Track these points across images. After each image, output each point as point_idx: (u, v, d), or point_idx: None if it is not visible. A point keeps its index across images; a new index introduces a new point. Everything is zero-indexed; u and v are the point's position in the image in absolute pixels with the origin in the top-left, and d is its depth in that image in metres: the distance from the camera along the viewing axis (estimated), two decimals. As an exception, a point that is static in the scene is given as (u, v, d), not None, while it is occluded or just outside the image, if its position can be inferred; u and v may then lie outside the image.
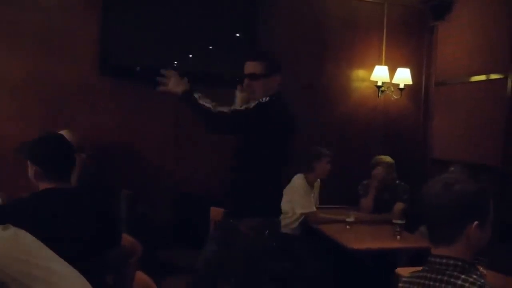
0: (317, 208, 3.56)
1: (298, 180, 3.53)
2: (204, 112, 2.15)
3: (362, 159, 4.04)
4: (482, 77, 3.74)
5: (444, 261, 1.26)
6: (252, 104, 2.20)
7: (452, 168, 3.43)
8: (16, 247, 1.19)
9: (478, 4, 3.83)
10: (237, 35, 3.87)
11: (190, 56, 3.77)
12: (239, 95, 2.47)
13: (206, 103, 2.15)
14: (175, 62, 3.69)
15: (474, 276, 1.22)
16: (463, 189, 1.26)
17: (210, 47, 3.80)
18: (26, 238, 1.23)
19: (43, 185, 1.80)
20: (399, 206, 3.52)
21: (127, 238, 2.05)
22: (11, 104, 3.51)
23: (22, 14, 3.50)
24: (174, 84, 2.21)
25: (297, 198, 3.45)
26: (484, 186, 1.29)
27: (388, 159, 3.68)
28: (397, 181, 3.65)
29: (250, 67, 2.29)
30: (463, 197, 1.25)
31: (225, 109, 2.17)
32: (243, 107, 2.25)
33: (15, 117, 3.49)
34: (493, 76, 3.62)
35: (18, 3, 3.49)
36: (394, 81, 4.15)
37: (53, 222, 1.66)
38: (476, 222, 1.24)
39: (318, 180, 3.69)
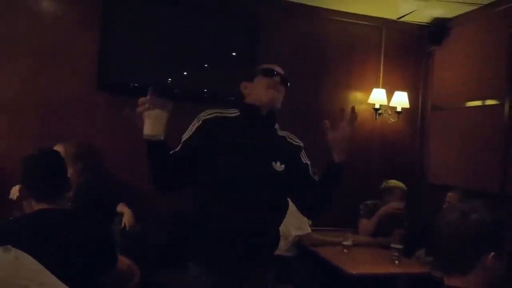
0: (311, 230, 3.51)
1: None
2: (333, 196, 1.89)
3: (358, 182, 4.02)
4: (478, 103, 3.77)
5: (460, 293, 1.22)
6: None
7: (450, 193, 3.44)
8: (16, 271, 1.13)
9: (475, 30, 3.89)
10: (233, 54, 3.87)
11: (185, 73, 3.75)
12: None
13: None
14: (169, 79, 3.69)
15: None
16: (480, 219, 1.23)
17: (206, 65, 3.79)
18: (27, 262, 1.18)
19: (36, 206, 1.74)
20: (398, 232, 3.48)
21: (123, 261, 2.00)
22: (6, 118, 3.45)
23: (20, 29, 3.47)
24: (342, 143, 1.81)
25: (292, 220, 3.39)
26: (501, 216, 1.26)
27: (399, 184, 3.64)
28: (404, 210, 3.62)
29: (281, 70, 1.96)
30: (480, 227, 1.23)
31: None
32: None
33: (11, 131, 3.44)
34: (489, 102, 3.65)
35: (16, 18, 3.47)
36: (392, 104, 4.17)
37: (45, 244, 1.61)
38: (492, 253, 1.22)
39: None
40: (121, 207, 3.06)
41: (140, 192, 3.55)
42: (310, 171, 1.93)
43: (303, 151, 1.97)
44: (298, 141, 1.99)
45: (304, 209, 2.00)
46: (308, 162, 1.95)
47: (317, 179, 1.90)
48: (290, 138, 1.97)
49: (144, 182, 3.60)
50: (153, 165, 1.72)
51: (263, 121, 1.91)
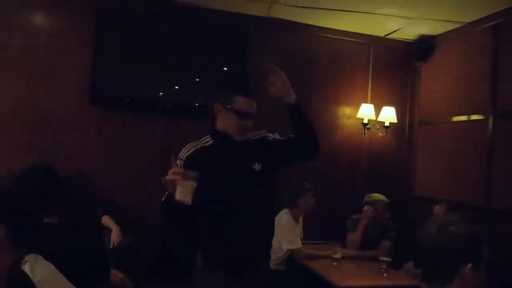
0: (302, 243, 3.55)
1: (284, 215, 3.53)
2: (312, 126, 2.12)
3: (347, 195, 4.09)
4: (463, 118, 3.87)
5: (440, 303, 1.28)
6: None
7: (437, 206, 3.51)
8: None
9: (459, 47, 4.00)
10: (225, 68, 3.94)
11: (176, 87, 3.81)
12: None
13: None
14: (161, 93, 3.74)
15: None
16: (458, 232, 1.29)
17: (197, 80, 3.86)
18: None
19: None
20: (385, 244, 3.54)
21: (116, 274, 2.02)
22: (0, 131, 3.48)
23: (13, 44, 3.52)
24: (284, 89, 2.06)
25: (284, 234, 3.44)
26: (479, 229, 1.32)
27: (381, 197, 3.68)
28: (390, 222, 3.66)
29: (253, 105, 2.08)
30: (457, 239, 1.28)
31: None
32: None
33: (2, 145, 3.46)
34: (474, 117, 3.75)
35: (10, 32, 3.52)
36: (380, 119, 4.25)
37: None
38: (470, 265, 1.27)
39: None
40: (107, 221, 3.10)
41: (131, 204, 3.60)
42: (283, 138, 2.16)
43: (275, 134, 2.18)
44: (260, 133, 2.16)
45: (304, 152, 2.18)
46: (280, 138, 2.17)
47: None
48: (255, 136, 2.13)
49: (134, 194, 3.69)
50: (174, 220, 1.98)
51: (235, 144, 2.06)
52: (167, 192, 1.87)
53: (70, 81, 3.62)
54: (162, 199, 1.92)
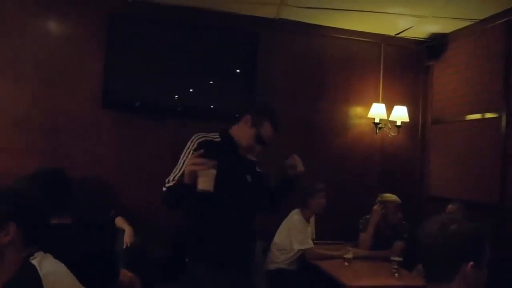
0: (314, 243, 3.56)
1: (295, 215, 3.55)
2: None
3: (359, 195, 4.08)
4: (478, 116, 3.82)
5: (441, 301, 1.28)
6: None
7: (450, 205, 3.47)
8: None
9: (472, 45, 3.95)
10: (238, 71, 3.97)
11: (186, 91, 3.85)
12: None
13: None
14: (176, 96, 3.78)
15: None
16: (459, 230, 1.29)
17: (211, 82, 3.89)
18: None
19: None
20: (399, 244, 3.51)
21: (126, 274, 2.05)
22: (14, 135, 3.56)
23: (28, 50, 3.60)
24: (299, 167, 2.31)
25: (295, 234, 3.46)
26: (480, 227, 1.32)
27: (392, 197, 3.67)
28: (404, 222, 3.64)
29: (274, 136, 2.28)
30: (458, 237, 1.28)
31: None
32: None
33: (18, 149, 3.54)
34: (488, 115, 3.70)
35: (24, 37, 3.60)
36: (391, 118, 4.23)
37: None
38: (471, 263, 1.27)
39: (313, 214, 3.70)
40: (120, 222, 3.15)
41: (143, 206, 3.64)
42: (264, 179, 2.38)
43: (260, 167, 2.40)
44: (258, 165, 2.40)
45: (264, 208, 2.42)
46: (261, 173, 2.39)
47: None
48: (255, 161, 2.37)
49: (146, 196, 3.73)
50: (181, 202, 2.10)
51: (239, 151, 2.26)
52: (173, 181, 2.04)
53: (82, 86, 3.69)
54: (165, 188, 2.08)
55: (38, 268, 1.38)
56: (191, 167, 1.91)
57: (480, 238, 1.30)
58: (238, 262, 2.19)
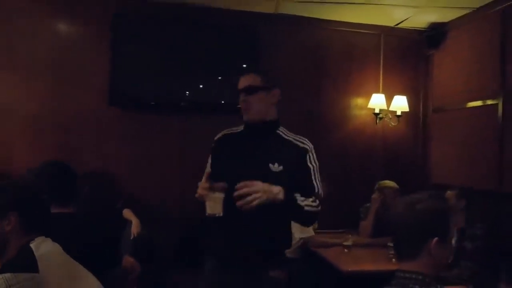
0: (316, 232, 3.64)
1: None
2: (306, 214, 2.01)
3: (361, 185, 4.15)
4: (478, 103, 3.85)
5: (407, 275, 1.37)
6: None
7: (448, 191, 3.52)
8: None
9: (470, 32, 3.98)
10: (244, 65, 4.05)
11: (191, 87, 3.92)
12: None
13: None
14: (177, 93, 3.87)
15: (433, 290, 1.32)
16: (424, 208, 1.37)
17: (211, 79, 3.97)
18: None
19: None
20: None
21: (128, 259, 2.17)
22: (25, 133, 3.72)
23: (39, 49, 3.75)
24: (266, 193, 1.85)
25: (296, 223, 3.53)
26: (444, 205, 1.41)
27: (390, 184, 3.73)
28: None
29: (245, 80, 2.05)
30: (423, 215, 1.37)
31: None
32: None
33: (29, 145, 3.69)
34: (489, 102, 3.73)
35: (36, 38, 3.75)
36: (391, 108, 4.28)
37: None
38: (436, 239, 1.35)
39: None
40: (128, 214, 3.29)
41: (150, 198, 3.77)
42: (313, 174, 2.06)
43: (310, 154, 2.07)
44: (306, 143, 2.08)
45: None
46: (313, 166, 2.07)
47: (318, 183, 2.07)
48: (297, 141, 2.08)
49: (153, 189, 3.86)
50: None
51: (256, 132, 2.08)
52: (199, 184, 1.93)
53: (90, 83, 3.81)
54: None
55: (34, 250, 1.49)
56: (199, 191, 1.89)
57: (444, 215, 1.39)
58: (244, 263, 1.98)
